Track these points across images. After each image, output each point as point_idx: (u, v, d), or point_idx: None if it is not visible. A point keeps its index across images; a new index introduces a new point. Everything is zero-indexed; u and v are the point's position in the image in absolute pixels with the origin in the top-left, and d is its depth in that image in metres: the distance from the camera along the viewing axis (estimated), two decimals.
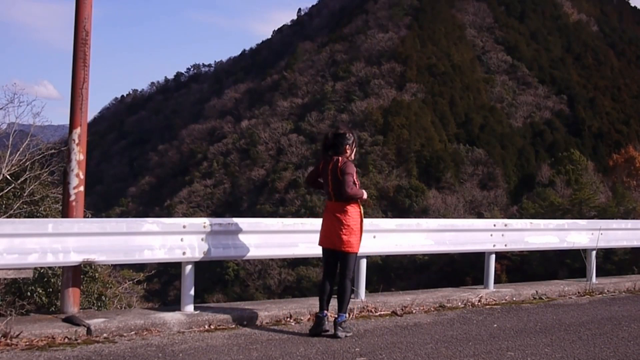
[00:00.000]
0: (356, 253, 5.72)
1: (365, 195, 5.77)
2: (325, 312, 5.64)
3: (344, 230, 5.62)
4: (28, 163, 10.08)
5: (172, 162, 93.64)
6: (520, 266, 40.33)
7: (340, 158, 5.65)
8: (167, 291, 53.50)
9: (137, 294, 15.39)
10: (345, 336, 5.51)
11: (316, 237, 6.65)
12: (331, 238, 5.67)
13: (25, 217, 9.36)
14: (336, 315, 5.61)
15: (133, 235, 5.77)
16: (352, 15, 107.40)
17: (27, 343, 4.94)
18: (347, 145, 5.71)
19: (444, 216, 49.22)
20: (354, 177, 5.61)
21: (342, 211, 5.65)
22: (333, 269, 5.78)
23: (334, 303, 5.74)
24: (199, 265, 6.25)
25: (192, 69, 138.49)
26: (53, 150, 10.61)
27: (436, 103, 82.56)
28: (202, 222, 6.10)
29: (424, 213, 57.74)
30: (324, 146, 5.76)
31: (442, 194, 65.79)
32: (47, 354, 4.71)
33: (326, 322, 5.59)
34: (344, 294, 5.63)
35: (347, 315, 5.71)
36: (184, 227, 5.97)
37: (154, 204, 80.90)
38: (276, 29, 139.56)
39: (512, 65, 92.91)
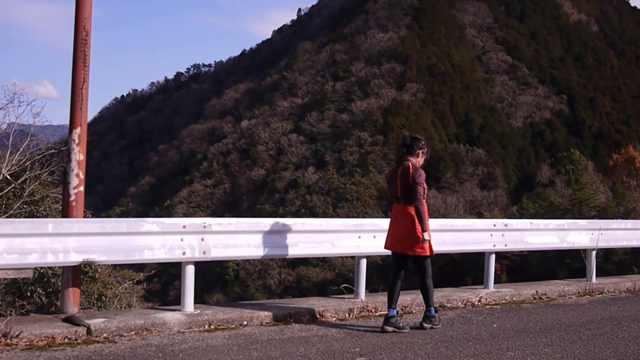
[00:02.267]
0: (430, 255, 5.94)
1: (427, 213, 5.88)
2: (394, 309, 5.89)
3: (413, 236, 5.80)
4: (28, 163, 10.07)
5: (172, 162, 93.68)
6: (520, 266, 40.28)
7: (410, 164, 5.83)
8: (167, 291, 53.51)
9: (137, 294, 15.41)
10: (432, 327, 5.92)
11: (316, 237, 6.67)
12: (402, 243, 5.85)
13: (25, 217, 9.36)
14: (432, 312, 5.98)
15: (133, 235, 5.77)
16: (352, 15, 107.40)
17: (27, 343, 4.94)
18: (421, 151, 5.97)
19: (444, 216, 49.22)
20: (424, 186, 5.81)
21: (409, 216, 5.81)
22: (401, 270, 6.03)
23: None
24: (199, 265, 6.26)
25: (192, 69, 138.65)
26: (53, 150, 10.61)
27: (436, 103, 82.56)
28: (202, 222, 6.10)
29: None
30: (402, 145, 5.98)
31: (442, 194, 65.75)
32: (47, 354, 4.71)
33: (395, 319, 5.83)
34: (427, 292, 5.97)
35: (434, 308, 6.06)
36: (184, 227, 5.97)
37: (154, 204, 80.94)
38: (276, 29, 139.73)
39: (512, 65, 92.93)
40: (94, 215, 12.26)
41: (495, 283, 8.18)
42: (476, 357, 5.06)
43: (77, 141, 5.98)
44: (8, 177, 9.66)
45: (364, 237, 6.92)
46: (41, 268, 8.21)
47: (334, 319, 6.32)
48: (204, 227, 6.06)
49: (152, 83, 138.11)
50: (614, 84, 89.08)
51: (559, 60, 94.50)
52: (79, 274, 6.02)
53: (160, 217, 8.62)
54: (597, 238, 9.03)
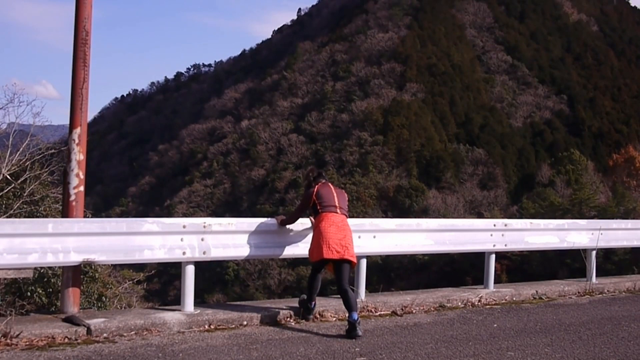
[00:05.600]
0: None
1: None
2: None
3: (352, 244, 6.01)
4: (28, 163, 10.08)
5: (172, 162, 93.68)
6: (520, 266, 40.31)
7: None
8: (167, 291, 53.51)
9: (137, 294, 15.41)
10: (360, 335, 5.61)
11: None
12: (347, 250, 5.86)
13: (25, 217, 9.36)
14: (355, 317, 5.62)
15: (133, 235, 5.77)
16: (352, 15, 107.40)
17: (27, 343, 4.94)
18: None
19: (444, 216, 49.22)
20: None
21: (347, 224, 6.04)
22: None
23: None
24: (199, 265, 6.26)
25: (192, 69, 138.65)
26: (53, 150, 10.61)
27: (436, 103, 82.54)
28: (202, 222, 6.10)
29: (424, 213, 57.72)
30: (319, 175, 6.27)
31: (442, 194, 65.75)
32: (47, 354, 4.71)
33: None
34: (354, 297, 5.89)
35: None
36: (184, 227, 5.97)
37: (154, 204, 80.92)
38: (276, 29, 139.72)
39: (512, 65, 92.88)
40: (94, 215, 12.26)
41: (495, 283, 8.17)
42: (476, 357, 5.06)
43: (77, 141, 5.98)
44: (8, 177, 9.67)
45: (363, 237, 6.92)
46: (41, 268, 8.21)
47: (334, 319, 6.32)
48: (204, 227, 6.06)
49: (152, 83, 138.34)
50: (614, 84, 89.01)
51: (559, 60, 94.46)
52: (79, 274, 6.02)
53: (160, 217, 8.61)
54: (597, 238, 9.02)
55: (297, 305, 6.39)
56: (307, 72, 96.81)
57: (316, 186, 6.13)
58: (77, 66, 6.00)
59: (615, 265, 32.34)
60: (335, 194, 6.08)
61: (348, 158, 75.56)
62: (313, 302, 6.21)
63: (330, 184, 6.24)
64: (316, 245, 5.91)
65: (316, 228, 5.97)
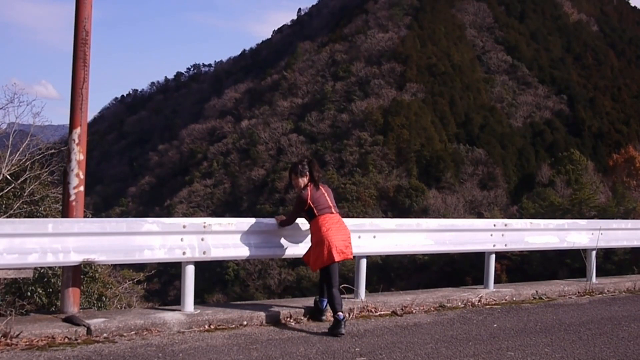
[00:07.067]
0: None
1: None
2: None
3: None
4: (28, 163, 10.08)
5: (172, 162, 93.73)
6: (520, 266, 40.32)
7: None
8: (167, 291, 53.51)
9: (137, 294, 15.40)
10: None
11: None
12: (349, 248, 5.90)
13: (25, 217, 9.36)
14: (341, 315, 5.70)
15: (133, 235, 5.77)
16: (352, 15, 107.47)
17: (27, 343, 4.94)
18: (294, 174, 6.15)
19: (444, 216, 49.22)
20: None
21: (342, 220, 6.03)
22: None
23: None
24: (199, 265, 6.25)
25: (192, 69, 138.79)
26: (53, 150, 10.61)
27: (436, 103, 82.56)
28: (202, 222, 6.09)
29: (424, 213, 57.75)
30: (316, 171, 6.05)
31: (442, 194, 65.77)
32: (47, 354, 4.70)
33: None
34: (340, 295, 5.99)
35: None
36: (184, 227, 5.96)
37: (154, 204, 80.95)
38: (276, 29, 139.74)
39: (512, 65, 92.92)
40: (94, 215, 12.27)
41: (495, 283, 8.17)
42: (476, 357, 5.06)
43: (77, 141, 5.97)
44: (8, 177, 9.67)
45: (363, 237, 6.91)
46: (41, 268, 8.21)
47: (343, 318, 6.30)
48: (204, 227, 6.05)
49: (152, 83, 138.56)
50: (614, 84, 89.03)
51: (559, 60, 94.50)
52: (79, 274, 6.01)
53: (160, 217, 8.61)
54: (597, 238, 9.02)
55: (296, 305, 6.38)
56: (307, 72, 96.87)
57: (309, 189, 5.97)
58: (77, 66, 6.00)
59: (615, 265, 32.34)
60: (326, 194, 6.02)
61: (348, 158, 75.59)
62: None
63: (318, 184, 6.08)
64: (320, 251, 5.79)
65: (316, 233, 5.85)
